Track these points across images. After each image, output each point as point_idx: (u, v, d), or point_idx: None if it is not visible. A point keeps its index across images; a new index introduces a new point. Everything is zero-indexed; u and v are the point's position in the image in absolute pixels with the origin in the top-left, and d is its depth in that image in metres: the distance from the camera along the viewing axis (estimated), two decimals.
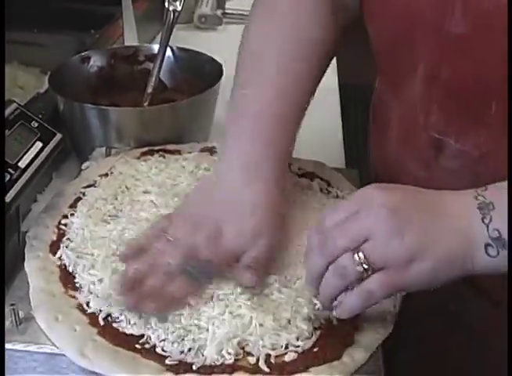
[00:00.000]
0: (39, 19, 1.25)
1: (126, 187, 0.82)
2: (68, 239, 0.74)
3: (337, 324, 0.64)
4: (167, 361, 0.60)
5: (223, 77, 0.99)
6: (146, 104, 1.00)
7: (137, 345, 0.62)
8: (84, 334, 0.63)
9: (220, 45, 1.47)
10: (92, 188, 0.82)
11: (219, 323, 0.63)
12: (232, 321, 0.63)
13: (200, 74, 1.04)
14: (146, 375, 0.59)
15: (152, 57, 1.06)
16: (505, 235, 0.56)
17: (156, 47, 1.06)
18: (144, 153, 0.90)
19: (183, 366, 0.60)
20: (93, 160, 0.90)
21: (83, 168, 0.89)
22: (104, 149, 0.91)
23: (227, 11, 1.60)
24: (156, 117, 0.93)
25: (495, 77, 0.63)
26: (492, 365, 0.76)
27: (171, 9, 1.02)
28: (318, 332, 0.64)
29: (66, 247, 0.73)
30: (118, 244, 0.72)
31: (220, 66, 1.02)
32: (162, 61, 1.02)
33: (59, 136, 0.81)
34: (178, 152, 0.91)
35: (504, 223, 0.56)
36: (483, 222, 0.57)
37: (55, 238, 0.75)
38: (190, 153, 0.90)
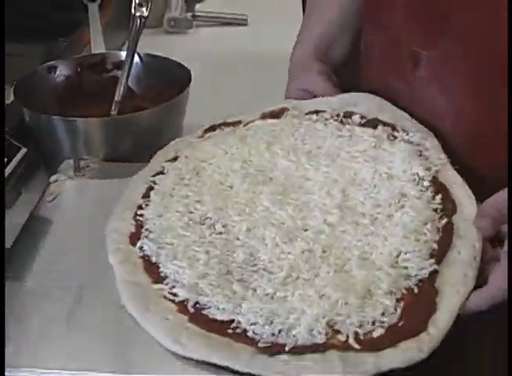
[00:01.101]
0: (5, 28, 1.23)
1: (195, 171, 0.80)
2: (147, 230, 0.73)
3: (418, 292, 0.64)
4: (259, 344, 0.61)
5: (192, 83, 0.98)
6: (114, 113, 0.98)
7: (229, 330, 0.62)
8: (177, 323, 0.63)
9: (191, 48, 1.46)
10: (162, 176, 0.80)
11: (306, 304, 0.63)
12: (319, 302, 0.63)
13: (169, 80, 1.03)
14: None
15: (120, 64, 1.05)
16: None
17: (123, 54, 1.04)
18: (206, 131, 0.88)
19: (276, 347, 0.60)
20: (62, 173, 0.88)
21: (51, 180, 0.87)
22: (73, 161, 0.90)
23: (197, 13, 1.59)
24: (124, 126, 0.92)
25: None
26: (492, 367, 0.78)
27: (137, 14, 1.01)
28: (401, 304, 0.63)
29: (146, 238, 0.71)
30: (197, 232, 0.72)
31: (188, 71, 1.01)
32: (130, 68, 1.01)
33: (23, 151, 0.80)
34: (239, 122, 0.88)
35: None
36: None
37: (133, 230, 0.73)
38: (253, 121, 0.87)
